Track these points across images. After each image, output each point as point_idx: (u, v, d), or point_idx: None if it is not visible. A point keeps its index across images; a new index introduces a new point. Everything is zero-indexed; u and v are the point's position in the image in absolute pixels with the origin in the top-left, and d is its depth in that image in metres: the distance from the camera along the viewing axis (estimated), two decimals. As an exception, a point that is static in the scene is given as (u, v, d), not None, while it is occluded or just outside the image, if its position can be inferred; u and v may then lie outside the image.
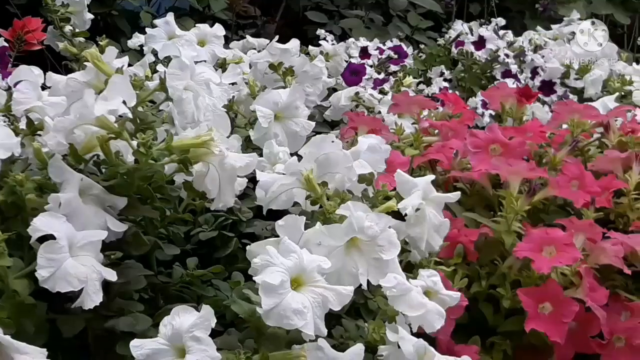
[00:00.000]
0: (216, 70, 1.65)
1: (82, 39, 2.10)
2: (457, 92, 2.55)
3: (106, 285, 1.06)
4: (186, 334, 0.95)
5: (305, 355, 1.00)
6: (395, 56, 2.69)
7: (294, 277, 1.01)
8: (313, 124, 1.50)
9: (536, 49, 2.86)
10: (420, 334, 1.12)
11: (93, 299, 1.03)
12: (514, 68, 2.74)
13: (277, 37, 1.97)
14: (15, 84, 1.26)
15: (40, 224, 1.02)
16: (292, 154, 1.39)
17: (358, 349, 1.03)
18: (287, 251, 1.02)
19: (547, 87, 2.71)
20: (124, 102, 1.15)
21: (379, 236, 1.09)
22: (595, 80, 2.69)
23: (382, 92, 2.31)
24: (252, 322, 1.05)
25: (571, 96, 2.67)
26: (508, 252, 1.49)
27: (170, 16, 1.88)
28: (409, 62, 2.73)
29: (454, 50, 2.89)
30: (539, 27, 3.20)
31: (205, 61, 1.70)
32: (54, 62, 2.23)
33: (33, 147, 1.18)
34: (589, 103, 2.14)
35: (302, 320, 0.97)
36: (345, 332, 1.18)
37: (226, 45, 2.01)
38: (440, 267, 1.33)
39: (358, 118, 1.90)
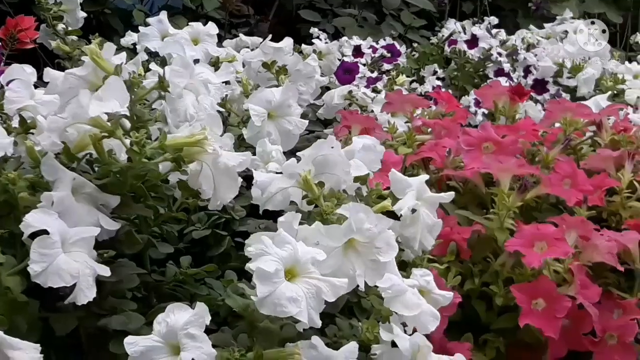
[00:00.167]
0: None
1: (74, 38, 2.10)
2: (450, 91, 2.54)
3: (99, 283, 1.06)
4: (181, 331, 0.95)
5: (299, 352, 1.00)
6: (389, 55, 2.68)
7: (288, 268, 1.00)
8: (306, 122, 1.49)
9: (529, 47, 2.86)
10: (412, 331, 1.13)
11: (86, 294, 1.02)
12: (506, 67, 2.74)
13: (270, 36, 1.96)
14: (8, 83, 1.26)
15: (32, 220, 1.01)
16: (285, 153, 1.39)
17: (352, 347, 1.03)
18: (282, 242, 1.01)
19: (540, 85, 2.71)
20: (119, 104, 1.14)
21: (377, 238, 1.09)
22: (587, 79, 2.70)
23: (375, 91, 2.31)
24: (245, 316, 1.05)
25: (564, 95, 2.67)
26: (501, 250, 1.50)
27: (163, 14, 1.88)
28: (402, 60, 2.72)
29: (447, 49, 2.89)
30: (531, 26, 3.21)
31: (199, 60, 1.70)
32: (46, 60, 2.23)
33: (26, 145, 1.17)
34: (582, 102, 2.15)
35: (297, 307, 0.97)
36: (339, 330, 1.18)
37: (219, 43, 2.00)
38: (434, 265, 1.33)
39: (351, 116, 1.90)
